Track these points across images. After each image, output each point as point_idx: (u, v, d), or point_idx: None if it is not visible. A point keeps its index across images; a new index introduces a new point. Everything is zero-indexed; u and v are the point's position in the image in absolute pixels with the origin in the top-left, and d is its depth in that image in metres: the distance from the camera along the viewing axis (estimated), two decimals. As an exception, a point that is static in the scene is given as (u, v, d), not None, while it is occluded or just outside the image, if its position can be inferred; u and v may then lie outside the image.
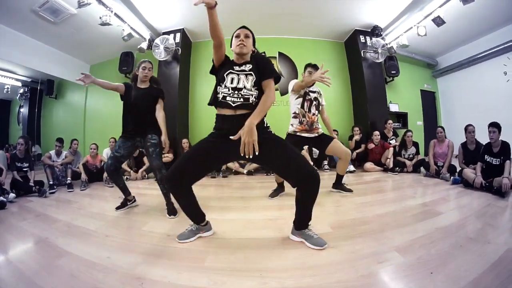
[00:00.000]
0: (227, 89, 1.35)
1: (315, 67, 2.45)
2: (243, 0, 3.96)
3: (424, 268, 1.21)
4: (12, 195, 2.42)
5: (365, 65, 4.93)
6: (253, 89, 1.35)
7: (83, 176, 3.16)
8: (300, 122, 2.40)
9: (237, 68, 1.39)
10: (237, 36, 1.45)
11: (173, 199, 1.79)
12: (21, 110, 5.74)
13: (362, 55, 4.90)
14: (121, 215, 2.08)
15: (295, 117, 2.42)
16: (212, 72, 1.50)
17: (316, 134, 2.44)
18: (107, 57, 5.31)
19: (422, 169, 3.87)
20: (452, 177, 3.15)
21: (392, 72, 5.25)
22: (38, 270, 1.20)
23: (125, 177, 3.73)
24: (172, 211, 2.00)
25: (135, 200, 2.29)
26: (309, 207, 1.42)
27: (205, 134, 1.50)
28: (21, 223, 1.86)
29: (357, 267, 1.21)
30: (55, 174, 3.01)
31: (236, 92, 1.33)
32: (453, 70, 5.91)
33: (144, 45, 4.31)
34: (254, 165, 4.26)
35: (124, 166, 3.89)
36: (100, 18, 3.36)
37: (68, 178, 3.03)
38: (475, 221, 1.86)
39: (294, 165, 1.33)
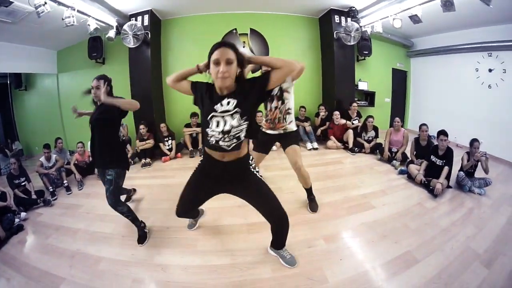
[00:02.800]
0: (216, 133, 1.31)
1: None
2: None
3: (337, 255, 1.91)
4: (23, 214, 2.79)
5: (336, 45, 5.23)
6: (242, 122, 1.31)
7: (78, 176, 3.63)
8: (266, 120, 2.38)
9: (219, 108, 1.30)
10: (216, 63, 1.24)
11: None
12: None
13: (334, 35, 5.15)
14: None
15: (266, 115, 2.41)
16: (195, 103, 1.46)
17: (282, 132, 2.33)
18: (74, 41, 5.17)
19: (378, 152, 4.49)
20: (399, 168, 3.82)
21: (365, 52, 5.66)
22: (89, 278, 1.84)
23: None
24: (142, 239, 2.16)
25: (135, 190, 2.99)
26: (283, 238, 1.77)
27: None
28: (48, 241, 2.32)
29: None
30: (51, 180, 3.44)
31: (226, 135, 1.30)
32: (428, 54, 6.26)
33: (112, 33, 4.31)
34: None
35: None
36: (63, 19, 3.35)
37: (65, 181, 3.51)
38: (396, 220, 2.39)
39: (269, 208, 1.57)
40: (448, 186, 3.19)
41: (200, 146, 4.82)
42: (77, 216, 2.79)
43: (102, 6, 3.89)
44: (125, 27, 4.28)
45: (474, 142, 3.23)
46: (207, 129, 1.34)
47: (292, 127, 2.34)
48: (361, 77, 6.00)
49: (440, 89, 6.11)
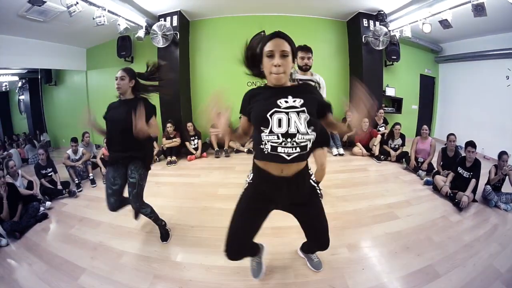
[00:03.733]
0: (276, 136, 1.03)
1: (306, 49, 2.30)
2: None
3: (360, 264, 1.85)
4: (48, 203, 2.86)
5: (364, 50, 5.12)
6: (309, 131, 1.05)
7: (104, 170, 3.68)
8: None
9: (283, 104, 1.05)
10: (270, 56, 1.08)
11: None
12: (21, 98, 6.00)
13: (363, 39, 5.03)
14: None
15: None
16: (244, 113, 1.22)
17: None
18: (104, 40, 5.34)
19: (404, 160, 4.33)
20: (425, 178, 3.66)
21: (393, 57, 5.47)
22: (110, 270, 1.84)
23: None
24: (165, 237, 2.13)
25: None
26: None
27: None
28: (71, 231, 2.38)
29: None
30: (77, 172, 3.53)
31: (289, 139, 1.03)
32: (458, 60, 5.99)
33: (141, 33, 4.43)
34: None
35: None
36: (94, 19, 3.44)
37: (90, 174, 3.60)
38: (420, 232, 2.32)
39: (319, 234, 1.36)
40: (474, 200, 3.00)
41: (226, 146, 4.85)
42: (101, 209, 2.76)
43: (132, 6, 4.00)
44: (155, 27, 4.39)
45: (503, 155, 3.09)
46: (262, 134, 1.05)
47: None
48: (389, 82, 5.81)
49: (469, 97, 5.82)
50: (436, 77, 6.67)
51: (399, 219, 2.54)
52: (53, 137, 6.32)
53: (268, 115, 1.03)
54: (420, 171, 3.92)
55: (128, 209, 2.10)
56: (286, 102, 1.05)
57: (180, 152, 4.70)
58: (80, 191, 3.29)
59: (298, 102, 1.05)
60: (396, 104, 6.00)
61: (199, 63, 5.39)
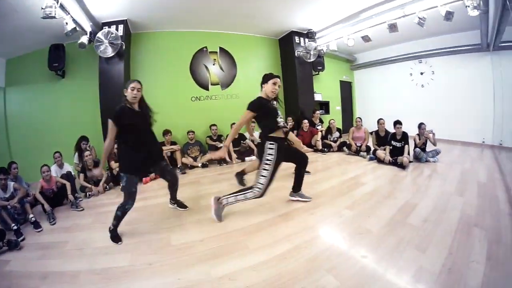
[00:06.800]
0: (281, 118, 2.16)
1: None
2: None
3: (365, 215, 2.23)
4: None
5: (297, 62, 5.59)
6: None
7: (47, 207, 2.63)
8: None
9: (274, 106, 2.20)
10: (275, 84, 2.11)
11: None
12: None
13: (296, 54, 5.48)
14: (131, 239, 2.07)
15: None
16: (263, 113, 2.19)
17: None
18: (29, 49, 4.07)
19: (345, 148, 4.89)
20: (368, 156, 4.30)
21: (319, 68, 6.09)
22: None
23: (87, 193, 3.39)
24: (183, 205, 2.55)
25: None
26: (301, 180, 2.51)
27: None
28: None
29: (331, 222, 2.16)
30: (11, 215, 2.36)
31: (282, 120, 2.16)
32: (369, 66, 7.26)
33: (84, 39, 3.53)
34: (207, 157, 4.51)
35: (82, 182, 3.50)
36: (43, 9, 2.57)
37: (31, 215, 2.45)
38: (386, 187, 2.96)
39: (300, 154, 2.49)
40: (409, 161, 3.74)
41: (180, 164, 4.28)
42: (66, 255, 1.93)
43: (80, 6, 3.19)
44: (99, 34, 3.57)
45: (421, 124, 3.96)
46: (277, 118, 2.15)
47: None
48: (316, 89, 6.39)
49: (383, 93, 7.14)
50: (352, 81, 7.87)
51: (367, 184, 3.10)
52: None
53: (275, 113, 2.20)
54: (361, 153, 4.50)
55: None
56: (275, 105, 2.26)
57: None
58: (23, 240, 2.20)
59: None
60: (324, 106, 6.71)
61: (140, 77, 4.73)
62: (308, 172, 3.37)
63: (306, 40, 5.53)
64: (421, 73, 6.18)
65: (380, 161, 3.93)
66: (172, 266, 1.65)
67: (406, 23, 4.09)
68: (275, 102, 2.19)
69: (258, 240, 1.89)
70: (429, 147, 4.03)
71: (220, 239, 1.95)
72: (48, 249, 2.10)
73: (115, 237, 2.05)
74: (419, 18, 3.69)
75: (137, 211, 2.59)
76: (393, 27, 4.06)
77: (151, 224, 2.36)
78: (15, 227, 2.32)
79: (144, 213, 2.61)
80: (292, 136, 3.14)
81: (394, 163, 3.72)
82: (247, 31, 5.47)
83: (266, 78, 2.14)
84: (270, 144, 2.07)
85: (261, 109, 2.09)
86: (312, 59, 5.53)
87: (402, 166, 3.57)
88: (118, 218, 2.05)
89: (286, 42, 5.78)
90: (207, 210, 2.42)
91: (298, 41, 5.56)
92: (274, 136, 2.09)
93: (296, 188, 2.53)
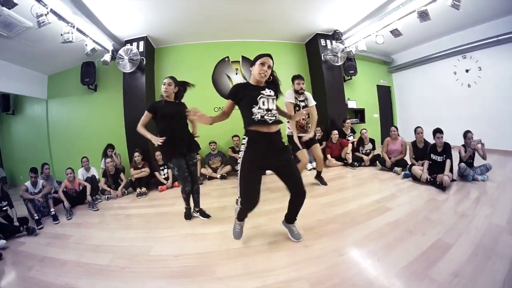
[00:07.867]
0: (262, 110, 1.69)
1: (300, 77, 3.16)
2: (211, 8, 3.95)
3: (373, 257, 1.74)
4: (2, 241, 2.32)
5: (325, 67, 5.34)
6: (275, 107, 1.78)
7: (66, 204, 3.18)
8: (297, 126, 3.18)
9: (266, 92, 1.73)
10: (262, 64, 1.72)
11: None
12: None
13: (322, 58, 5.27)
14: (120, 242, 2.30)
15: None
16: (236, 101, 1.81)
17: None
18: (66, 67, 4.95)
19: (377, 163, 4.39)
20: (403, 172, 3.72)
21: (351, 72, 5.79)
22: None
23: (106, 196, 3.83)
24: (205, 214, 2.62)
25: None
26: (296, 212, 1.94)
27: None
28: (30, 273, 1.89)
29: (325, 261, 1.73)
30: (36, 207, 2.98)
31: (269, 112, 1.71)
32: (408, 67, 6.59)
33: (107, 57, 4.16)
34: (227, 169, 4.62)
35: (103, 185, 3.96)
36: (62, 35, 3.15)
37: (52, 209, 3.03)
38: (416, 216, 2.33)
39: (294, 178, 1.80)
40: (452, 180, 3.14)
41: (198, 174, 4.44)
42: (66, 246, 2.34)
43: (100, 28, 3.78)
44: (121, 51, 4.16)
45: (467, 133, 3.32)
46: (253, 109, 1.68)
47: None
48: (349, 96, 6.07)
49: (424, 97, 6.33)
50: (391, 85, 7.20)
51: (392, 210, 2.52)
52: (9, 173, 5.47)
53: (258, 99, 1.72)
54: (395, 168, 3.99)
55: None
56: (266, 92, 1.75)
57: (150, 183, 4.18)
58: (41, 228, 2.74)
59: (272, 92, 1.79)
60: (359, 114, 6.25)
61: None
62: (325, 183, 3.50)
63: (333, 42, 5.29)
64: (467, 71, 5.34)
65: (416, 179, 3.35)
66: (137, 275, 1.79)
67: (439, 11, 3.69)
68: (270, 90, 1.76)
69: (229, 269, 1.76)
70: (478, 161, 3.36)
71: (194, 259, 1.93)
72: (56, 239, 2.55)
73: (187, 215, 2.64)
74: (452, -1, 3.24)
75: (138, 217, 2.98)
76: (424, 15, 3.65)
77: (145, 231, 2.57)
78: (37, 217, 2.90)
79: (142, 220, 2.89)
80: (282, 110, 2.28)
81: (432, 182, 3.12)
82: (269, 37, 5.53)
83: (254, 60, 1.78)
84: (243, 139, 1.78)
85: (237, 96, 1.76)
86: (340, 62, 5.28)
87: (441, 187, 2.95)
88: (185, 200, 2.58)
89: (312, 46, 5.67)
90: (197, 224, 2.56)
91: (324, 44, 5.39)
92: (250, 130, 1.73)
93: (288, 218, 2.03)
